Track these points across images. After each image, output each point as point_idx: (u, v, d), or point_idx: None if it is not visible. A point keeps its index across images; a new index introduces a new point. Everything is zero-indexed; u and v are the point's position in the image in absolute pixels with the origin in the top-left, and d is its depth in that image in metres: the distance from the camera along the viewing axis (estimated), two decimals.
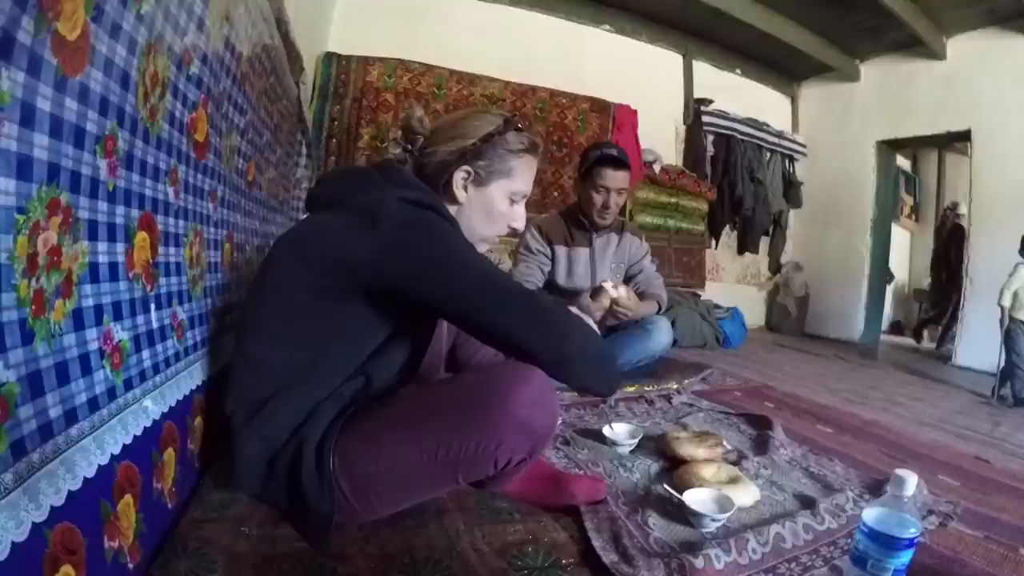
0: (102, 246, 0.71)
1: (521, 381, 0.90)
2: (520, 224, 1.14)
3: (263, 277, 1.01)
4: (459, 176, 1.06)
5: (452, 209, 1.08)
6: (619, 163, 2.16)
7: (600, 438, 1.52)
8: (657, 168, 4.34)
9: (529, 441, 0.92)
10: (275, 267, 0.99)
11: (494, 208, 1.09)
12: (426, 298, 0.90)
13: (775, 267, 5.67)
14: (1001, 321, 3.17)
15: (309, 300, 0.93)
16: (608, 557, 0.95)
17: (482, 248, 1.13)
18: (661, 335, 2.28)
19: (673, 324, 2.94)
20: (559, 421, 0.96)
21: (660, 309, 2.32)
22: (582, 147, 4.16)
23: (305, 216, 1.10)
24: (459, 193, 1.07)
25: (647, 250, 2.48)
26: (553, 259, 2.32)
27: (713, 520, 1.09)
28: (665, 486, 1.19)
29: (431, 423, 0.92)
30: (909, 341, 5.95)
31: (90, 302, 0.68)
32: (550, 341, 0.91)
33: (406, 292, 0.90)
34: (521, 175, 1.10)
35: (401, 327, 1.00)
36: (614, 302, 1.91)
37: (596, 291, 1.94)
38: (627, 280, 2.40)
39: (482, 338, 0.96)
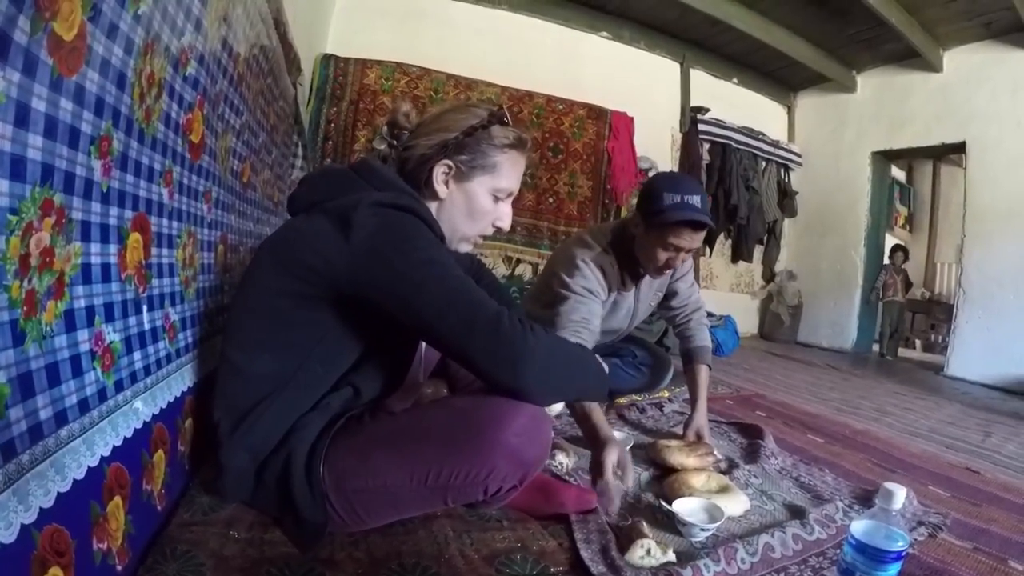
0: (95, 247, 0.71)
1: (515, 409, 0.88)
2: (505, 224, 1.09)
3: (245, 282, 0.99)
4: (440, 170, 1.02)
5: (433, 206, 1.04)
6: (703, 226, 1.57)
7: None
8: (652, 175, 4.36)
9: (520, 470, 0.90)
10: (255, 272, 0.97)
11: (476, 205, 1.05)
12: (392, 312, 0.88)
13: (769, 276, 5.69)
14: None
15: (287, 306, 0.92)
16: (596, 568, 0.95)
17: (464, 247, 1.10)
18: (663, 382, 2.19)
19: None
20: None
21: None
22: (578, 153, 4.20)
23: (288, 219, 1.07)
24: (440, 188, 1.03)
25: (688, 268, 1.95)
26: None
27: (702, 530, 1.09)
28: (655, 495, 1.19)
29: (422, 446, 0.90)
30: (903, 351, 5.96)
31: (82, 303, 0.68)
32: (505, 373, 0.87)
33: (375, 304, 0.89)
34: (506, 172, 1.05)
35: (383, 336, 0.98)
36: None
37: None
38: (665, 303, 1.95)
39: (447, 356, 0.95)
